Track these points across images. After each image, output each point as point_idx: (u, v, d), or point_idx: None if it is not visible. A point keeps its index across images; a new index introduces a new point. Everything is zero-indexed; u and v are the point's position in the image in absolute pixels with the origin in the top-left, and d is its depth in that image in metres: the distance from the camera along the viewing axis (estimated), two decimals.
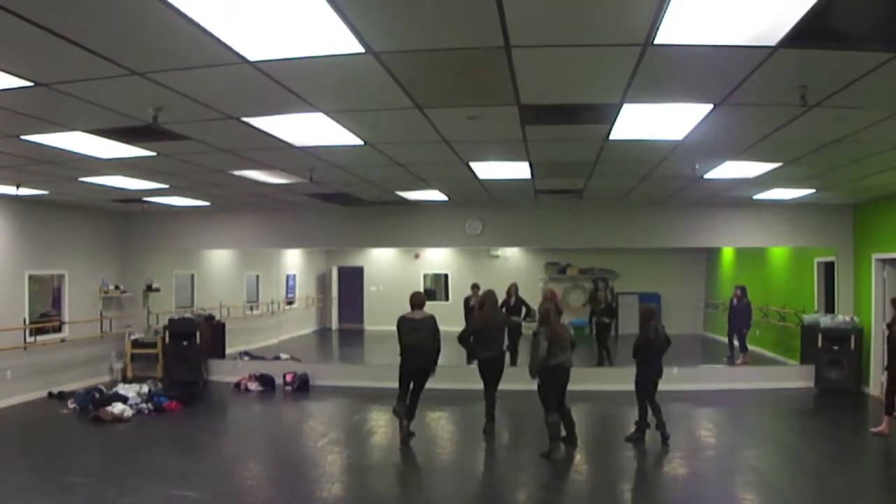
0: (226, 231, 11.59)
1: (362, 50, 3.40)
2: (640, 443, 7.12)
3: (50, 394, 9.70)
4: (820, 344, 9.80)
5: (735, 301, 12.20)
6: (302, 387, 10.47)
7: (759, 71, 3.71)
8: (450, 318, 11.28)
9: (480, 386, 7.74)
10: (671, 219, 10.54)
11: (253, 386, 10.55)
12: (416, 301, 7.47)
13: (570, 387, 6.94)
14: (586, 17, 3.05)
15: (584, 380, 9.15)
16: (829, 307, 10.69)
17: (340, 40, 3.26)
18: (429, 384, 7.51)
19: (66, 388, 9.86)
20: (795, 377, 10.39)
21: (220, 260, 14.18)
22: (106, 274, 11.19)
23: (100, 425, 8.04)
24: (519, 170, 7.24)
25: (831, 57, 3.48)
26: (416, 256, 18.22)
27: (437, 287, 18.16)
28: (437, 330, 7.38)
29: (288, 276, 16.89)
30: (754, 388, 10.11)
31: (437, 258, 18.18)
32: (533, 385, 6.87)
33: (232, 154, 6.21)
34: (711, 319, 16.05)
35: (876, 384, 9.38)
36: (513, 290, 11.11)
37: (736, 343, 12.08)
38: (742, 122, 5.00)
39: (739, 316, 12.06)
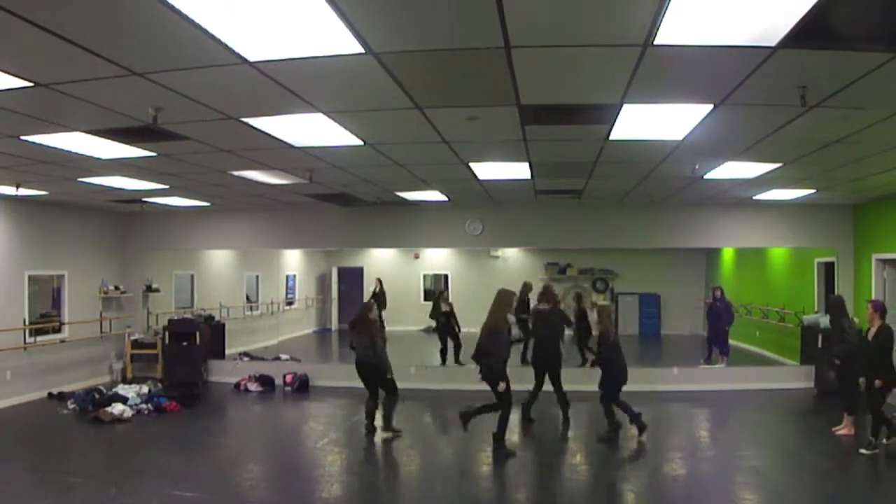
0: (225, 231, 11.58)
1: (362, 50, 3.40)
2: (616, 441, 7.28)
3: (50, 394, 9.70)
4: (820, 344, 9.79)
5: (717, 302, 12.15)
6: (302, 387, 10.47)
7: (759, 71, 3.71)
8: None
9: (484, 387, 7.60)
10: (671, 219, 10.53)
11: (253, 386, 10.55)
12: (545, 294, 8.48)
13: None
14: (586, 17, 3.05)
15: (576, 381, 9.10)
16: None
17: (340, 41, 3.26)
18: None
19: (66, 388, 9.85)
20: (795, 378, 10.39)
21: (219, 260, 14.17)
22: (106, 274, 11.18)
23: (99, 426, 8.04)
24: (519, 170, 7.24)
25: (831, 57, 3.48)
26: (416, 257, 18.22)
27: (436, 288, 18.14)
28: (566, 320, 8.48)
29: (287, 277, 16.90)
30: (754, 389, 10.10)
31: (437, 258, 18.18)
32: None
33: (232, 154, 6.21)
34: None
35: None
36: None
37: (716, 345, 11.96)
38: (742, 122, 5.00)
39: (720, 316, 12.01)
